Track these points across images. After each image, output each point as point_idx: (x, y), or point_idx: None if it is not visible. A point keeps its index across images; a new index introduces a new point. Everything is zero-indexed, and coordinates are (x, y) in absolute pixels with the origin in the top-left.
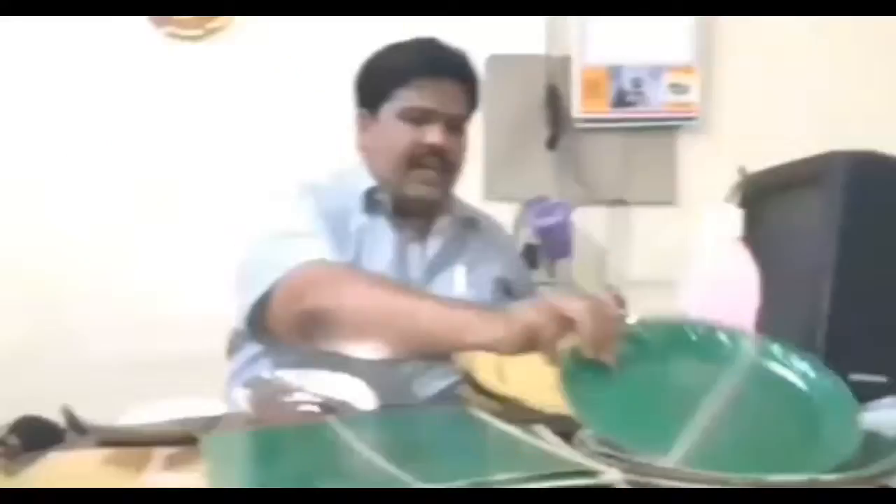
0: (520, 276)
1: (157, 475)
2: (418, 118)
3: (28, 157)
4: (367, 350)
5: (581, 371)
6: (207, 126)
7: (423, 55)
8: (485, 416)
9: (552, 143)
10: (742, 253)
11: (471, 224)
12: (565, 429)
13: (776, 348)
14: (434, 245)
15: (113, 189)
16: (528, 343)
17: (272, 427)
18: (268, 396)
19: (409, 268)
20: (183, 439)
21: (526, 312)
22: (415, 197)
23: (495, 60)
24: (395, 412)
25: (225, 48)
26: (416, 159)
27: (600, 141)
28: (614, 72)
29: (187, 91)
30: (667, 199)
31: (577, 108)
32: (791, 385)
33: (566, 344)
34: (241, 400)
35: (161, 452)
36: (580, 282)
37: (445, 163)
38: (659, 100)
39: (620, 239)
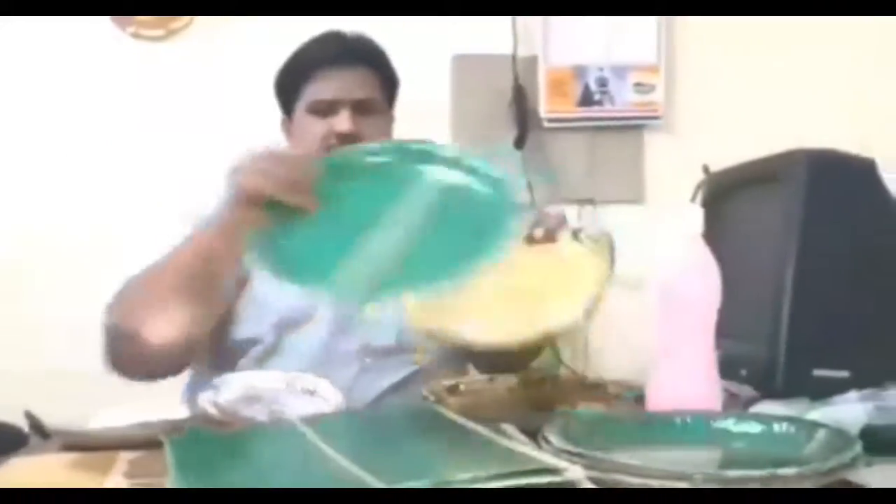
0: None
1: (122, 479)
2: (325, 109)
3: None
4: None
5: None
6: (170, 123)
7: (323, 48)
8: (450, 415)
9: (519, 143)
10: (704, 250)
11: None
12: (532, 426)
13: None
14: None
15: (77, 187)
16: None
17: (237, 430)
18: (233, 399)
19: None
20: (147, 443)
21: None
22: None
23: (461, 60)
24: (361, 412)
25: (187, 47)
26: (328, 149)
27: (567, 140)
28: (579, 71)
29: (151, 90)
30: (634, 197)
31: (544, 107)
32: (462, 188)
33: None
34: (207, 403)
35: (125, 456)
36: None
37: None
38: (624, 99)
39: None
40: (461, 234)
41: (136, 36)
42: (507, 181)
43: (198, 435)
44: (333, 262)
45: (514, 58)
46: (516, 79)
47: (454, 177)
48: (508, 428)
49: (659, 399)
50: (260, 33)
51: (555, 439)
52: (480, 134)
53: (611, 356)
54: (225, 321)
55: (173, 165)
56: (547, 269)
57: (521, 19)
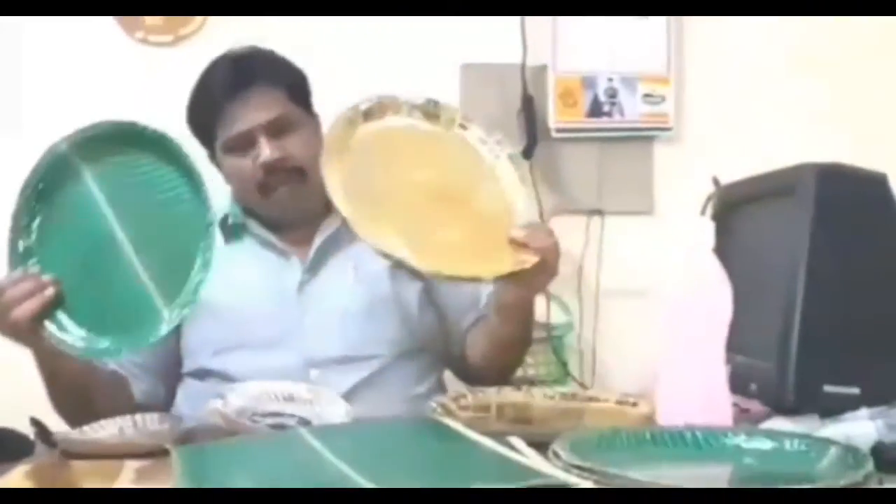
0: None
1: (129, 487)
2: (242, 145)
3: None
4: None
5: None
6: (177, 130)
7: (221, 81)
8: (457, 427)
9: (528, 153)
10: (715, 264)
11: None
12: (541, 440)
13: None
14: (315, 246)
15: None
16: None
17: (243, 438)
18: (238, 408)
19: (284, 278)
20: (154, 451)
21: None
22: (279, 212)
23: (470, 69)
24: (367, 423)
25: (195, 53)
26: (264, 186)
27: (576, 151)
28: (589, 81)
29: (158, 95)
30: (643, 209)
31: (553, 117)
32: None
33: None
34: (213, 412)
35: (132, 464)
36: (556, 291)
37: (291, 171)
38: (633, 110)
39: (597, 249)
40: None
41: (144, 42)
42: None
43: (204, 443)
44: (115, 309)
45: (522, 67)
46: (525, 88)
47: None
48: (516, 441)
49: (669, 413)
50: (269, 40)
51: (564, 454)
52: None
53: (618, 369)
54: (172, 362)
55: None
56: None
57: (530, 28)
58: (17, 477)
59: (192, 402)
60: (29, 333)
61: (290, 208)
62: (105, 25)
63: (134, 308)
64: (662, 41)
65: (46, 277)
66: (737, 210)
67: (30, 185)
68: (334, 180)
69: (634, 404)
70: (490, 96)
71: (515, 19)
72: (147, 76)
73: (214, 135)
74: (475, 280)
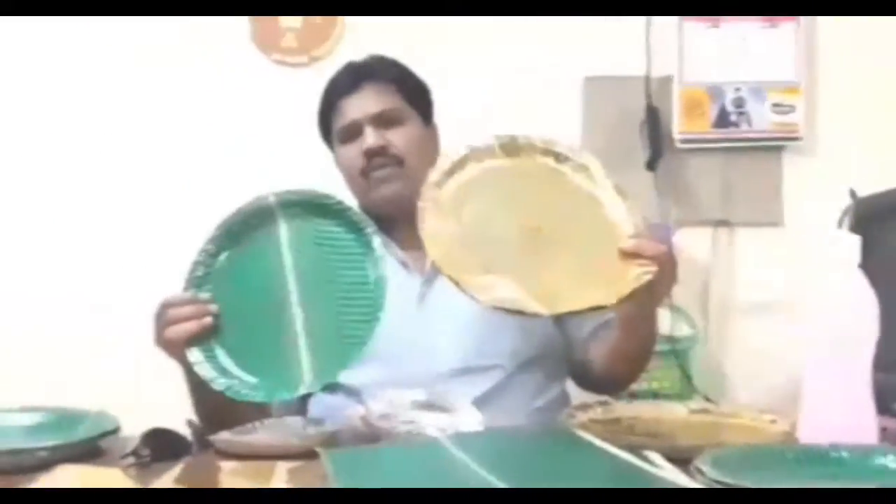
0: None
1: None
2: (351, 134)
3: (143, 182)
4: None
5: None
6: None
7: (338, 80)
8: (593, 440)
9: (652, 164)
10: (862, 281)
11: None
12: (681, 456)
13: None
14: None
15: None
16: None
17: (388, 444)
18: (379, 414)
19: (405, 290)
20: (304, 454)
21: None
22: (381, 200)
23: (592, 82)
24: (503, 431)
25: (327, 75)
26: (364, 170)
27: (701, 161)
28: (715, 91)
29: (292, 115)
30: (773, 220)
31: (678, 128)
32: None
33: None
34: (355, 418)
35: (284, 465)
36: (680, 304)
37: (391, 158)
38: (762, 120)
39: (723, 261)
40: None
41: (279, 63)
42: (375, 240)
43: (350, 448)
44: (263, 356)
45: (647, 77)
46: (649, 99)
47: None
48: (654, 456)
49: (812, 432)
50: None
51: (707, 470)
52: (611, 155)
53: (744, 384)
54: None
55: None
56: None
57: (654, 39)
58: (177, 475)
59: (326, 408)
60: (178, 352)
61: (382, 190)
62: (244, 48)
63: (281, 361)
64: (792, 48)
65: (211, 307)
66: (876, 223)
67: (228, 222)
68: (435, 247)
69: (773, 421)
70: (612, 108)
71: (639, 31)
72: (282, 96)
73: (331, 130)
74: (598, 309)
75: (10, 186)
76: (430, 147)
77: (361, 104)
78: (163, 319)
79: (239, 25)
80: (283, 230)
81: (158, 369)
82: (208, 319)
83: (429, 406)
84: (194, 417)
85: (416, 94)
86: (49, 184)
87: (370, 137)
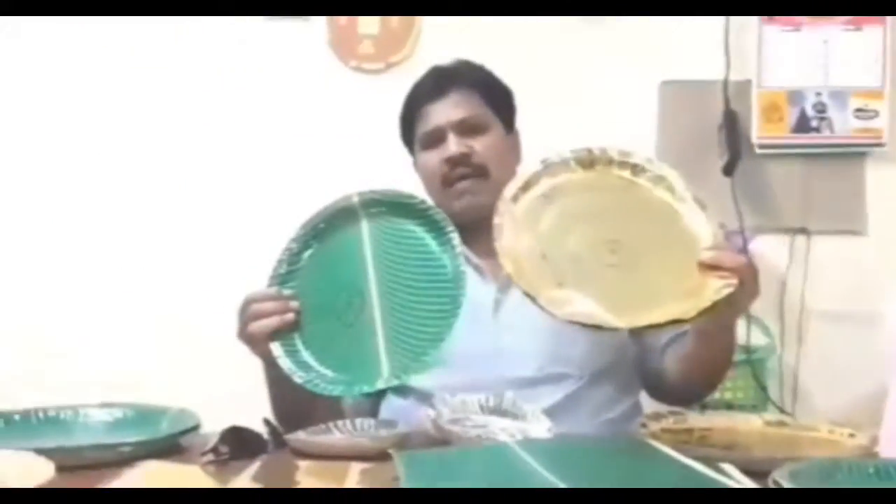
0: None
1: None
2: (434, 140)
3: (215, 191)
4: None
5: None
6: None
7: (422, 85)
8: (665, 449)
9: (729, 169)
10: None
11: None
12: (758, 469)
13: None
14: None
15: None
16: None
17: (458, 447)
18: (449, 419)
19: (480, 296)
20: (377, 455)
21: None
22: (462, 210)
23: (668, 86)
24: (574, 439)
25: (403, 80)
26: (447, 177)
27: (780, 167)
28: (795, 96)
29: (370, 121)
30: (855, 228)
31: (756, 132)
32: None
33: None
34: (426, 421)
35: (356, 466)
36: (757, 313)
37: (474, 167)
38: (844, 125)
39: (801, 269)
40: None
41: (357, 69)
42: (455, 240)
43: (422, 450)
44: (343, 350)
45: (725, 81)
46: (727, 103)
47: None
48: (729, 468)
49: (894, 446)
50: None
51: (785, 483)
52: (687, 161)
53: (821, 395)
54: None
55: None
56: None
57: (733, 43)
58: (257, 472)
59: (396, 411)
60: (261, 346)
61: (463, 201)
62: (322, 55)
63: (360, 357)
64: (877, 52)
65: (293, 304)
66: None
67: (313, 221)
68: (511, 262)
69: (851, 435)
70: (688, 113)
71: (716, 35)
72: (360, 102)
73: (414, 135)
74: (677, 323)
75: (99, 187)
76: (511, 154)
77: (445, 110)
78: (246, 314)
79: (317, 32)
80: (365, 228)
81: (236, 367)
82: (290, 315)
83: (499, 411)
84: (271, 416)
85: (500, 101)
86: (137, 184)
87: (453, 145)
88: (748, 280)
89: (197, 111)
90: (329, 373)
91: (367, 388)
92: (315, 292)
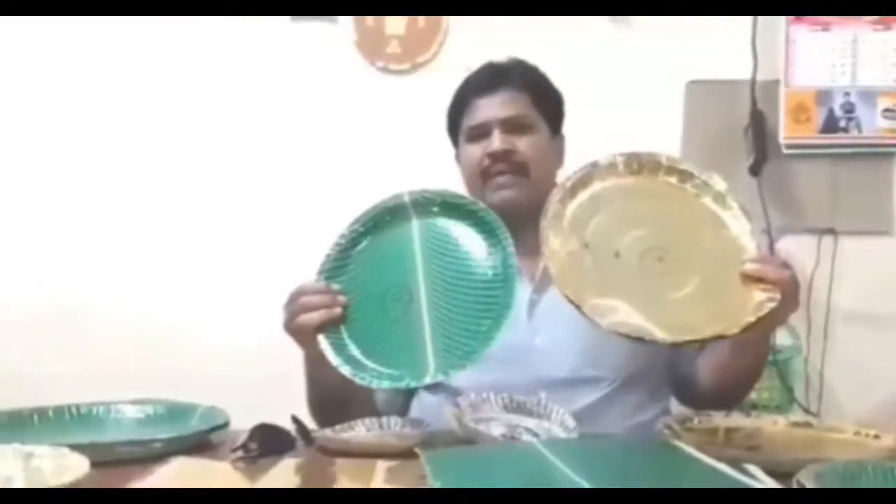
0: None
1: (382, 485)
2: (479, 135)
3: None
4: None
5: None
6: (414, 153)
7: (475, 79)
8: (691, 451)
9: (756, 169)
10: None
11: None
12: (782, 469)
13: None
14: (542, 264)
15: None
16: None
17: (484, 446)
18: (475, 417)
19: (518, 288)
20: (403, 453)
21: None
22: (498, 204)
23: (695, 86)
24: (599, 438)
25: (430, 81)
26: (486, 171)
27: (807, 167)
28: (823, 96)
29: (397, 121)
30: (881, 228)
31: (783, 132)
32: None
33: None
34: (451, 420)
35: (383, 464)
36: None
37: (515, 164)
38: (872, 125)
39: (828, 270)
40: (468, 287)
41: (384, 70)
42: (507, 240)
43: (447, 448)
44: (390, 345)
45: (752, 81)
46: (754, 103)
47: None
48: (754, 469)
49: None
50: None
51: (810, 485)
52: (713, 160)
53: (847, 396)
54: None
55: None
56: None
57: (760, 43)
58: (286, 470)
59: (425, 413)
60: (307, 338)
61: (501, 195)
62: (349, 56)
63: (407, 351)
64: None
65: (341, 298)
66: None
67: (364, 217)
68: (556, 266)
69: (876, 437)
70: (715, 113)
71: (744, 35)
72: (386, 102)
73: (459, 126)
74: (720, 338)
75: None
76: (554, 157)
77: (493, 107)
78: (294, 306)
79: (344, 33)
80: (416, 227)
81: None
82: (338, 309)
83: (524, 410)
84: (299, 413)
85: (549, 105)
86: (161, 187)
87: (497, 140)
88: (790, 294)
89: (224, 112)
90: (376, 366)
91: (413, 383)
92: (363, 288)
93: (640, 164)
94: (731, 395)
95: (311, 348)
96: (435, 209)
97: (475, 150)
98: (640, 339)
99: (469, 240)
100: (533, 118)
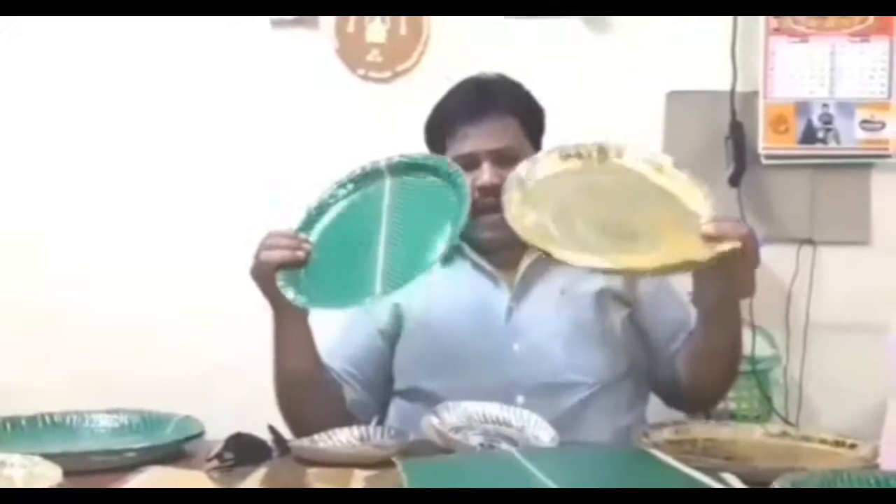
0: (629, 284)
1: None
2: (466, 165)
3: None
4: None
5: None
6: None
7: (462, 101)
8: (667, 459)
9: (735, 180)
10: None
11: None
12: (758, 479)
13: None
14: (521, 271)
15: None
16: None
17: (461, 455)
18: (452, 427)
19: (493, 303)
20: (380, 462)
21: None
22: (487, 241)
23: (675, 97)
24: (576, 447)
25: (411, 89)
26: (475, 204)
27: (786, 178)
28: (802, 107)
29: (377, 129)
30: (859, 239)
31: (763, 143)
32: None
33: None
34: (429, 430)
35: (360, 473)
36: (762, 323)
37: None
38: (850, 136)
39: (806, 279)
40: (426, 227)
41: (365, 78)
42: (461, 178)
43: (425, 458)
44: (344, 280)
45: (732, 92)
46: (734, 114)
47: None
48: (730, 478)
49: (894, 458)
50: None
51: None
52: (693, 170)
53: (825, 406)
54: (383, 378)
55: None
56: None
57: (740, 54)
58: (261, 479)
59: (402, 420)
60: (267, 279)
61: (491, 233)
62: (330, 63)
63: (358, 279)
64: (884, 64)
65: (305, 245)
66: None
67: (344, 180)
68: (522, 227)
69: (852, 446)
70: (695, 123)
71: (723, 46)
72: (367, 110)
73: (445, 149)
74: (688, 266)
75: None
76: None
77: (481, 138)
78: (260, 247)
79: (325, 41)
80: (387, 185)
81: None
82: (300, 253)
83: (501, 420)
84: (275, 423)
85: (533, 124)
86: (141, 195)
87: (486, 174)
88: (750, 248)
89: (205, 120)
90: (327, 294)
91: (356, 304)
92: (330, 239)
93: (585, 153)
94: (712, 388)
95: (270, 290)
96: (405, 167)
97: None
98: (615, 272)
99: (431, 186)
100: (521, 146)
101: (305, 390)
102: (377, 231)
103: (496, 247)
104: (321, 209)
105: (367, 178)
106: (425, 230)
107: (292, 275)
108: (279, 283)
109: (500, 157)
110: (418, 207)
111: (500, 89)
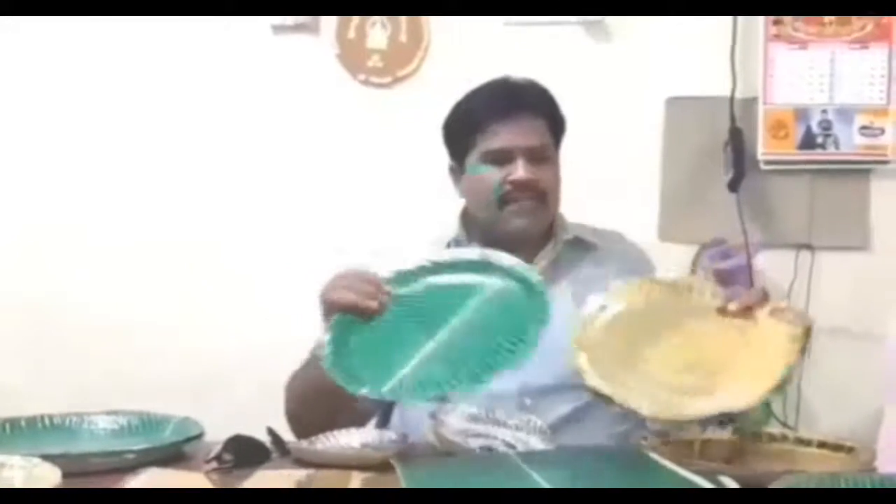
0: None
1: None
2: (500, 159)
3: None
4: None
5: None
6: (396, 167)
7: (494, 99)
8: (663, 462)
9: (734, 185)
10: None
11: (583, 247)
12: (755, 482)
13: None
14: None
15: (303, 230)
16: None
17: (458, 457)
18: (452, 430)
19: None
20: (378, 465)
21: None
22: (514, 231)
23: (674, 103)
24: (574, 450)
25: (411, 94)
26: (506, 196)
27: (786, 183)
28: (801, 113)
29: (378, 134)
30: (858, 244)
31: (762, 149)
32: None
33: None
34: (429, 432)
35: (358, 475)
36: None
37: (536, 193)
38: (849, 142)
39: (805, 284)
40: (494, 337)
41: (365, 83)
42: (542, 290)
43: (423, 460)
44: (389, 367)
45: (731, 98)
46: (733, 120)
47: (498, 285)
48: (728, 481)
49: (892, 461)
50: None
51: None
52: (692, 176)
53: (824, 410)
54: None
55: (404, 211)
56: (734, 345)
57: (739, 60)
58: (260, 481)
59: (406, 422)
60: (328, 313)
61: (520, 222)
62: (331, 69)
63: (387, 368)
64: (883, 70)
65: (383, 297)
66: None
67: (458, 257)
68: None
69: (850, 450)
70: (694, 129)
71: (723, 52)
72: (368, 115)
73: (470, 144)
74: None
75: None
76: (559, 180)
77: (516, 134)
78: (340, 279)
79: (326, 46)
80: (486, 283)
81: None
82: (374, 303)
83: (501, 423)
84: (273, 425)
85: (559, 131)
86: (143, 201)
87: (522, 170)
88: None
89: (206, 125)
90: (352, 364)
91: (362, 392)
92: (407, 306)
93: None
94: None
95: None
96: (499, 272)
97: (493, 174)
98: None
99: (513, 296)
100: (550, 148)
101: (337, 398)
102: (444, 323)
103: (512, 244)
104: (419, 272)
105: (465, 265)
106: (487, 334)
107: (347, 321)
108: (329, 324)
109: (533, 155)
110: (492, 313)
111: (531, 92)
